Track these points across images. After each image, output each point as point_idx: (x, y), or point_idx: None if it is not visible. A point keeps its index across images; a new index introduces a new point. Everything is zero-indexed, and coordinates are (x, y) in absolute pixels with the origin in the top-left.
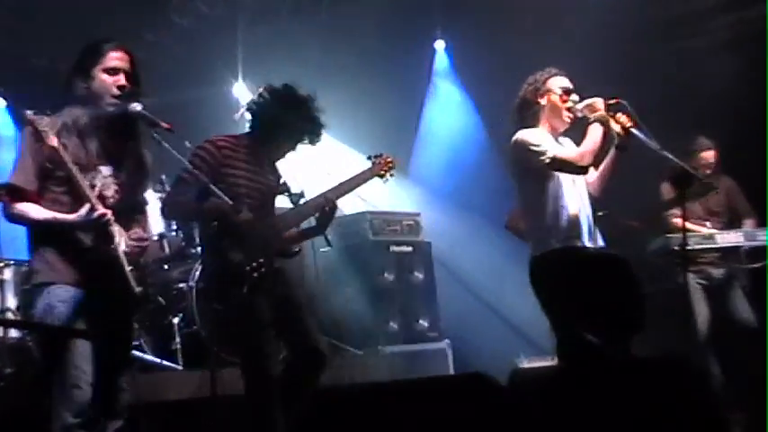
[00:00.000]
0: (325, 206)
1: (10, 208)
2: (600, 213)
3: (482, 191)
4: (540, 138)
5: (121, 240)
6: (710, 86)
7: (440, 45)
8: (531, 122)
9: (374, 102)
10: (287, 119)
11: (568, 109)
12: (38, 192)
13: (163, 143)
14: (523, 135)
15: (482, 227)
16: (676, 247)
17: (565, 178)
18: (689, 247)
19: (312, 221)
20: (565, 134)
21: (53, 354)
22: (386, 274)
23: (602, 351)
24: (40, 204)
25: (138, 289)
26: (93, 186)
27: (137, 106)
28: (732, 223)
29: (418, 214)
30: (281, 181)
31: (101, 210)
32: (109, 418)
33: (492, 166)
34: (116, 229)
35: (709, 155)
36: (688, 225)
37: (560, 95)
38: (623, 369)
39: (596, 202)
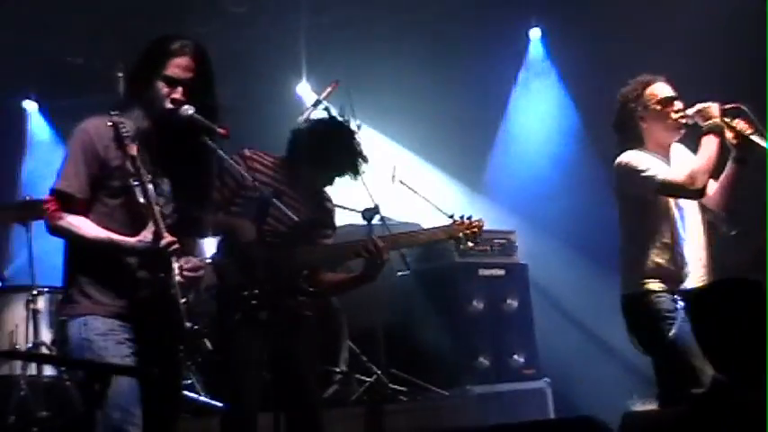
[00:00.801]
0: (370, 254)
1: (57, 218)
2: (733, 233)
3: (585, 203)
4: (646, 160)
5: (175, 267)
6: None
7: (535, 34)
8: (634, 142)
9: (453, 98)
10: (329, 151)
11: (675, 118)
12: (89, 202)
13: (218, 151)
14: (628, 158)
15: (586, 246)
16: None
17: (674, 207)
18: None
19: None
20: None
21: (95, 394)
22: (475, 302)
23: (734, 391)
24: (88, 218)
25: (188, 324)
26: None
27: (188, 110)
28: None
29: (512, 232)
30: (328, 215)
31: (168, 238)
32: None
33: (595, 175)
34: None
35: None
36: None
37: (662, 106)
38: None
39: (728, 219)
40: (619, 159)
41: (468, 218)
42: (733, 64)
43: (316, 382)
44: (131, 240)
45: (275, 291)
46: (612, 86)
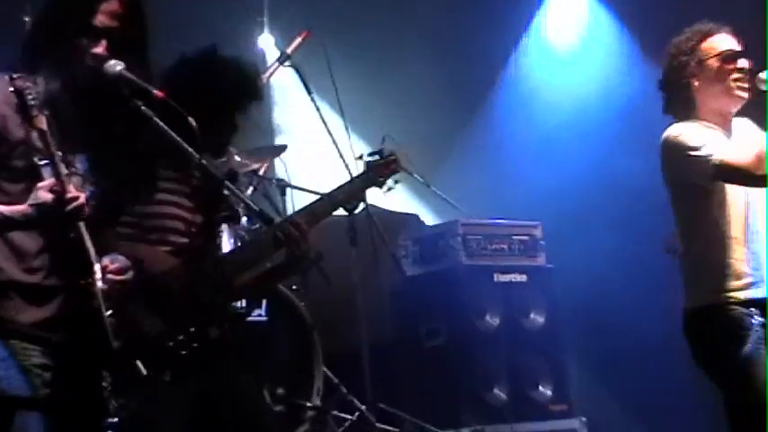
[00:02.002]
0: (292, 240)
1: None
2: None
3: (631, 188)
4: (699, 135)
5: (98, 270)
6: None
7: None
8: (686, 110)
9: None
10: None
11: (739, 80)
12: None
13: (154, 120)
14: (676, 133)
15: (630, 246)
16: None
17: (742, 194)
18: None
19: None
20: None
21: None
22: (488, 317)
23: None
24: None
25: (115, 343)
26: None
27: (116, 65)
28: None
29: (537, 225)
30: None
31: (72, 191)
32: None
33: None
34: (92, 253)
35: None
36: None
37: (722, 63)
38: None
39: None
40: (666, 134)
41: (377, 153)
42: None
43: (268, 418)
44: (22, 206)
45: (200, 327)
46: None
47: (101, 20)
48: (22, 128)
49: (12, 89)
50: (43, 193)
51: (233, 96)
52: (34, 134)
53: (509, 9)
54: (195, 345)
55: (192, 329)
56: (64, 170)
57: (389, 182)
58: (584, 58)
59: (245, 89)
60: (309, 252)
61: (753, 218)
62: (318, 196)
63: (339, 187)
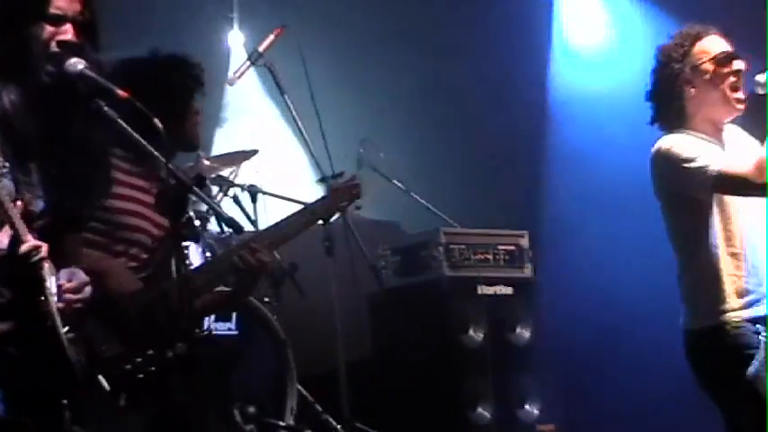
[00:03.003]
0: (250, 267)
1: None
2: None
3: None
4: (694, 146)
5: (52, 286)
6: None
7: None
8: (678, 121)
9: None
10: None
11: (735, 86)
12: None
13: (118, 121)
14: (669, 145)
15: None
16: None
17: (740, 205)
18: None
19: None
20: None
21: None
22: (472, 331)
23: None
24: None
25: (75, 358)
26: (14, 201)
27: (77, 64)
28: None
29: (522, 234)
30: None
31: (31, 242)
32: None
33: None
34: (46, 270)
35: None
36: None
37: (717, 66)
38: None
39: None
40: (657, 146)
41: (339, 175)
42: None
43: None
44: None
45: (159, 350)
46: None
47: (58, 5)
48: None
49: None
50: (2, 237)
51: (183, 87)
52: None
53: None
54: (153, 368)
55: (150, 352)
56: (7, 183)
57: (351, 208)
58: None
59: (192, 77)
60: (264, 276)
61: (751, 231)
62: (286, 204)
63: (301, 211)
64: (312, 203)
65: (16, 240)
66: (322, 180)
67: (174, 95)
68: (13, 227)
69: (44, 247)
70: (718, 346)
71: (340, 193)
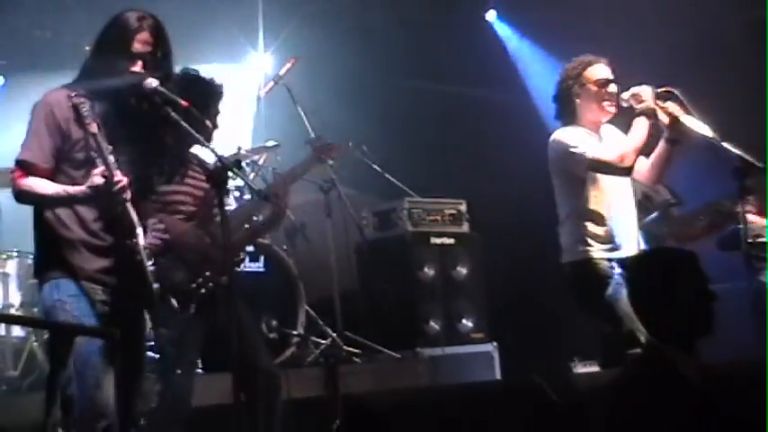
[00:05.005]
0: (277, 202)
1: (20, 183)
2: (672, 201)
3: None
4: (578, 137)
5: (140, 233)
6: None
7: (491, 15)
8: (570, 118)
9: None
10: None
11: (609, 100)
12: (53, 172)
13: (182, 123)
14: (561, 135)
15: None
16: (751, 240)
17: (608, 181)
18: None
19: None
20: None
21: (59, 354)
22: (426, 269)
23: (669, 356)
24: None
25: (155, 285)
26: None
27: (152, 82)
28: None
29: (461, 202)
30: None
31: (118, 176)
32: (123, 428)
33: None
34: (135, 220)
35: None
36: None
37: (598, 88)
38: (694, 377)
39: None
40: (553, 136)
41: (319, 138)
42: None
43: (264, 347)
44: (81, 187)
45: (215, 272)
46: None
47: (135, 47)
48: (80, 130)
49: (69, 104)
50: (96, 178)
51: (213, 100)
52: (89, 138)
53: None
54: (211, 285)
55: (207, 274)
56: (112, 160)
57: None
58: None
59: (219, 94)
60: (286, 210)
61: (616, 200)
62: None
63: (299, 164)
64: (304, 159)
65: (108, 178)
66: (308, 142)
67: (209, 102)
68: (105, 163)
69: (125, 180)
70: (584, 274)
71: (319, 149)
